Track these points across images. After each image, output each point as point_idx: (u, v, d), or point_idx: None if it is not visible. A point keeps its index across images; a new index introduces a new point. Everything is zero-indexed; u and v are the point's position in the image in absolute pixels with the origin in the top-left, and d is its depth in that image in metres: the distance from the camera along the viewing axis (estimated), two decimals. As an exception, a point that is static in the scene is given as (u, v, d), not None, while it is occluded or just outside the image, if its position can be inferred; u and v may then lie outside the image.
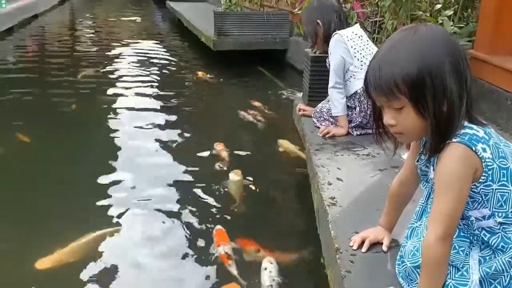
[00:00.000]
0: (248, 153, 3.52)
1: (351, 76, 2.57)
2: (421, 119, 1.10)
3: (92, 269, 2.14)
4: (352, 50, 2.53)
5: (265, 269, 2.10)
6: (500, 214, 1.11)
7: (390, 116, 1.14)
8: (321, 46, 2.78)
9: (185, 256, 2.26)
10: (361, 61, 2.53)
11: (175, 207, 2.68)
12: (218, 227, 2.44)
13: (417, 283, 1.19)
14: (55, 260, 2.19)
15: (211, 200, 2.75)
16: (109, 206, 2.66)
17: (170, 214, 2.61)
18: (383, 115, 1.17)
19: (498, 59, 2.73)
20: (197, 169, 3.17)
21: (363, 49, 2.55)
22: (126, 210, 2.61)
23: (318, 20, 2.64)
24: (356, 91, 2.56)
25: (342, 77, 2.57)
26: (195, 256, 2.26)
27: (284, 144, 3.55)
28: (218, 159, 3.28)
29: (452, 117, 1.08)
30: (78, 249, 2.26)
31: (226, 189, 2.88)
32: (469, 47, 2.97)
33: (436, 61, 1.06)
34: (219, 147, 3.43)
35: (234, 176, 3.00)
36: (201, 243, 2.35)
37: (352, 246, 1.49)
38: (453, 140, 1.08)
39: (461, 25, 3.17)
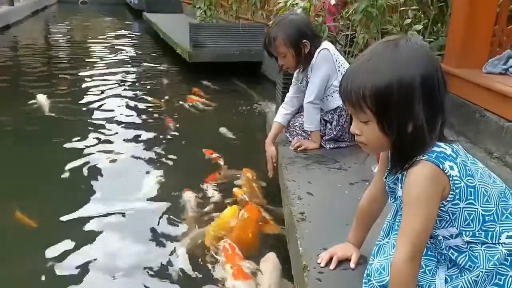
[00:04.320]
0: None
1: (333, 92, 2.51)
2: (385, 136, 1.09)
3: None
4: (337, 64, 2.49)
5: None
6: (467, 233, 1.10)
7: (356, 126, 1.14)
8: (294, 67, 2.57)
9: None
10: None
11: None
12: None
13: (384, 303, 1.16)
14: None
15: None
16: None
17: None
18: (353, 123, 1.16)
19: (466, 72, 2.76)
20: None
21: (345, 63, 2.50)
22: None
23: (304, 41, 2.45)
24: (338, 106, 2.52)
25: (323, 93, 2.52)
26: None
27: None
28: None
29: (416, 139, 1.06)
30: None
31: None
32: (439, 61, 3.01)
33: (408, 81, 1.03)
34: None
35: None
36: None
37: (320, 263, 1.46)
38: (421, 158, 1.06)
39: (431, 39, 3.22)
